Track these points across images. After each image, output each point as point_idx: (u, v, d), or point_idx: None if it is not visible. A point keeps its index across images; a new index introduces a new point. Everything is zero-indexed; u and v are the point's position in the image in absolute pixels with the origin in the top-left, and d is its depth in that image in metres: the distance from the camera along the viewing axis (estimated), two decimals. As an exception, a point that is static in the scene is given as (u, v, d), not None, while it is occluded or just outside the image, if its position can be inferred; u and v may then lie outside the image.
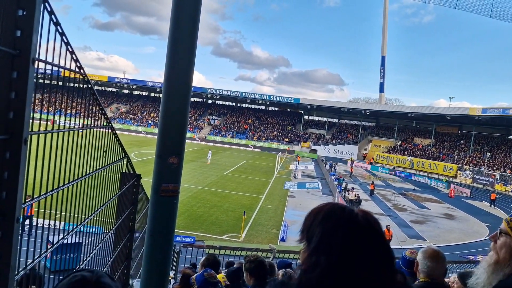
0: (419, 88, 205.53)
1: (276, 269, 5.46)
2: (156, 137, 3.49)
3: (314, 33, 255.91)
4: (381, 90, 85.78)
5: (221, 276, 5.84)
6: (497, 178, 44.50)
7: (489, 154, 50.16)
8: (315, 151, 67.10)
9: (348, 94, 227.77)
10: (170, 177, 3.37)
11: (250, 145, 70.57)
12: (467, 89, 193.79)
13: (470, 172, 48.40)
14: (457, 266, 11.64)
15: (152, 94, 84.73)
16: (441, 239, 21.59)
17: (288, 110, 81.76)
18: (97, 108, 2.27)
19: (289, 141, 71.65)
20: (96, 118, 2.30)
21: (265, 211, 24.14)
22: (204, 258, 5.06)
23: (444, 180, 46.65)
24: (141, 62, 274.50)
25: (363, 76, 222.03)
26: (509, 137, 56.04)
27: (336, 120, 78.00)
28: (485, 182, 45.65)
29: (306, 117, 79.39)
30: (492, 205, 33.77)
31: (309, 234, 1.09)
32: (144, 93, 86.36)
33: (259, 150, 69.02)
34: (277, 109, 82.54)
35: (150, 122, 75.67)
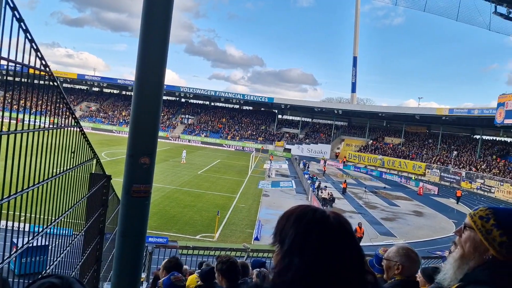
0: (389, 89, 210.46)
1: (250, 268, 5.46)
2: (127, 136, 3.42)
3: (288, 33, 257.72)
4: (353, 90, 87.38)
5: (194, 277, 5.80)
6: (463, 176, 46.08)
7: (455, 153, 51.87)
8: (289, 150, 67.61)
9: (321, 94, 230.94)
10: (141, 178, 3.30)
11: (224, 144, 70.39)
12: (435, 89, 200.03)
13: (438, 170, 49.92)
14: (426, 261, 11.96)
15: (124, 92, 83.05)
16: (410, 236, 22.15)
17: (262, 109, 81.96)
18: (65, 107, 2.20)
19: (263, 140, 71.88)
20: (64, 117, 2.23)
21: (239, 210, 24.12)
22: (166, 260, 5.02)
23: (413, 178, 47.91)
24: (112, 59, 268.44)
25: (336, 76, 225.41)
26: (474, 137, 58.11)
27: (309, 120, 78.79)
28: (451, 180, 47.19)
29: (280, 116, 79.84)
30: (457, 202, 34.95)
31: (282, 237, 1.10)
32: (115, 91, 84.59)
33: (233, 149, 68.96)
34: (251, 108, 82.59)
35: (121, 121, 74.22)
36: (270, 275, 1.12)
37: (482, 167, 47.21)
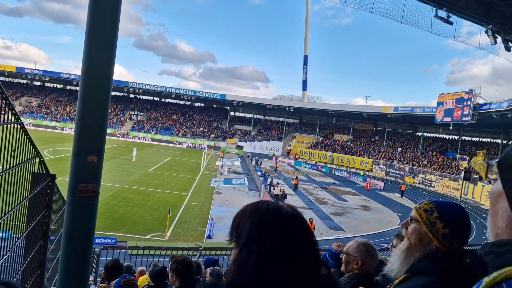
0: (338, 87, 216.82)
1: (203, 267, 5.41)
2: (73, 133, 3.25)
3: (240, 30, 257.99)
4: (304, 88, 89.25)
5: (145, 277, 5.67)
6: (406, 171, 48.47)
7: (399, 149, 54.40)
8: (241, 147, 67.73)
9: (273, 91, 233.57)
10: (89, 177, 3.15)
11: (175, 142, 69.19)
12: (381, 88, 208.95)
13: (384, 166, 52.16)
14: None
15: (68, 87, 79.07)
16: (358, 230, 22.99)
17: (214, 106, 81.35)
18: (3, 101, 2.04)
19: (215, 138, 71.46)
20: (3, 113, 2.08)
21: (191, 208, 23.85)
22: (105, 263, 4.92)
23: (361, 174, 49.66)
24: (55, 52, 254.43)
25: (287, 74, 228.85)
26: (417, 134, 61.30)
27: (261, 117, 79.29)
28: (396, 175, 49.47)
29: (232, 113, 79.70)
30: (402, 196, 36.74)
31: (238, 232, 1.10)
32: (58, 86, 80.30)
33: (185, 146, 68.01)
34: (203, 105, 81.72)
35: (65, 117, 70.81)
36: (228, 272, 1.12)
37: (424, 162, 49.93)
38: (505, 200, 0.70)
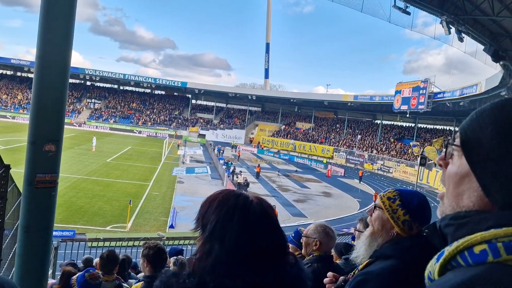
0: (300, 75, 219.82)
1: (167, 257, 5.35)
2: (27, 122, 3.08)
3: (201, 16, 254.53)
4: (266, 76, 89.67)
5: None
6: (366, 158, 49.93)
7: (359, 136, 55.88)
8: (203, 135, 67.13)
9: (235, 79, 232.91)
10: (46, 167, 3.01)
11: (135, 131, 67.55)
12: (341, 77, 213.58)
13: (344, 153, 53.44)
14: (334, 238, 12.76)
15: (19, 74, 74.92)
16: (320, 216, 23.49)
17: (175, 94, 79.88)
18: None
19: (176, 126, 70.40)
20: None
21: (152, 198, 23.48)
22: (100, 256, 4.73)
23: (324, 162, 50.55)
24: (4, 37, 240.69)
25: (249, 62, 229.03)
26: (375, 121, 63.17)
27: (224, 105, 78.79)
28: (356, 162, 50.84)
29: (194, 101, 78.63)
30: (360, 181, 37.87)
31: (204, 222, 1.09)
32: (8, 72, 75.86)
33: (145, 135, 66.59)
34: (163, 92, 79.95)
35: (17, 105, 67.31)
36: (189, 262, 1.11)
37: (382, 149, 51.62)
38: (473, 181, 0.72)
